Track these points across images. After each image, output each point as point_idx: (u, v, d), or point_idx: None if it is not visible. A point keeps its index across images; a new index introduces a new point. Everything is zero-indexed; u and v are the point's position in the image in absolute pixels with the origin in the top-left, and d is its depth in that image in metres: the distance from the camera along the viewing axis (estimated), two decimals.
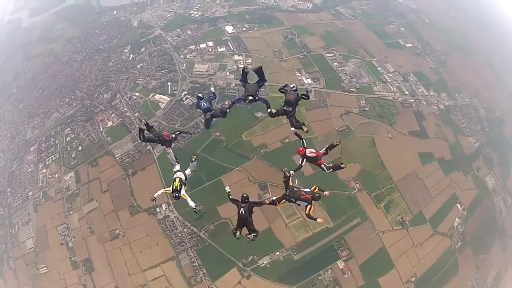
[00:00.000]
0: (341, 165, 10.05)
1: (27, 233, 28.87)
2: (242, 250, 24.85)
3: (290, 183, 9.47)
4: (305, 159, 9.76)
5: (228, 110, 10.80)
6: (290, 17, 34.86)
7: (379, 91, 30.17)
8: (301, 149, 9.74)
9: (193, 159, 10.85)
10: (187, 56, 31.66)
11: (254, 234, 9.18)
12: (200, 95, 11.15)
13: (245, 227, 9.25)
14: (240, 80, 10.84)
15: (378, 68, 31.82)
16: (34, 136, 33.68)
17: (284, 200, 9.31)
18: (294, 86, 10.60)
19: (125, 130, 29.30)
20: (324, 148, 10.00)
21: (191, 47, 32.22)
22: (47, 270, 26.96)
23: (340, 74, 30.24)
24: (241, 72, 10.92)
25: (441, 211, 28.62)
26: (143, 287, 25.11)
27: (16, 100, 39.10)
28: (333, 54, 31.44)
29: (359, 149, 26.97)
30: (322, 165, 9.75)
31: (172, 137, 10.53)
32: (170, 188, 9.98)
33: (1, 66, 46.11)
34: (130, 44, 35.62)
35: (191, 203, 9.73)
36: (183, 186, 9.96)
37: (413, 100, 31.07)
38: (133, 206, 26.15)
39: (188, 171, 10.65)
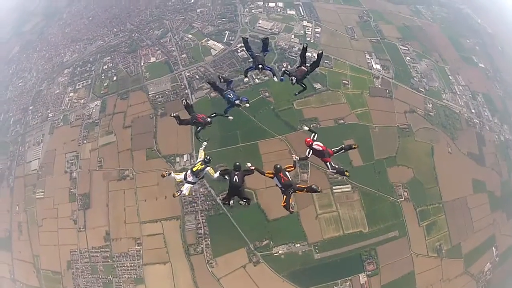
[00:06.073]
0: (346, 172, 9.62)
1: (36, 153, 26.98)
2: (258, 230, 21.42)
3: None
4: (311, 151, 9.56)
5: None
6: (368, 0, 32.35)
7: (447, 100, 27.14)
8: (308, 139, 9.67)
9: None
10: (252, 11, 29.48)
11: (247, 202, 9.14)
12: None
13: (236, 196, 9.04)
14: (245, 49, 11.09)
15: (450, 77, 28.88)
16: (72, 60, 32.27)
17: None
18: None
19: (167, 68, 26.91)
20: (339, 147, 9.60)
21: (258, 3, 30.10)
22: (43, 196, 24.71)
23: (411, 70, 27.35)
24: (243, 41, 11.24)
25: (478, 250, 25.34)
26: (136, 240, 21.76)
27: (64, 25, 38.30)
28: (407, 48, 28.65)
29: (416, 154, 23.71)
30: (328, 163, 9.42)
31: (207, 121, 10.23)
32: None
33: None
34: None
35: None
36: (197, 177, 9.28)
37: (477, 121, 27.99)
38: (152, 149, 23.20)
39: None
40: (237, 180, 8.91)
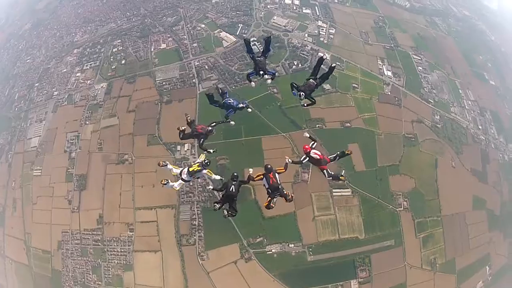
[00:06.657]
0: (341, 177, 9.79)
1: (37, 131, 27.04)
2: (253, 227, 21.16)
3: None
4: (307, 158, 9.60)
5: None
6: (385, 7, 32.18)
7: (455, 114, 26.88)
8: (307, 147, 9.67)
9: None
10: (268, 6, 29.31)
11: (233, 213, 9.26)
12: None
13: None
14: (247, 52, 10.90)
15: (460, 91, 28.61)
16: (82, 40, 32.27)
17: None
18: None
19: (177, 56, 26.79)
20: (335, 154, 9.68)
21: None
22: (40, 174, 24.71)
23: (422, 80, 27.05)
24: (245, 43, 11.01)
25: (472, 267, 25.06)
26: (128, 226, 21.50)
27: (77, 5, 38.44)
28: (419, 58, 28.38)
29: (419, 165, 23.42)
30: (324, 171, 9.48)
31: (208, 129, 10.21)
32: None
33: None
34: None
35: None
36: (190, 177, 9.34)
37: (483, 138, 27.72)
38: (154, 135, 23.02)
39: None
40: (233, 190, 9.17)
